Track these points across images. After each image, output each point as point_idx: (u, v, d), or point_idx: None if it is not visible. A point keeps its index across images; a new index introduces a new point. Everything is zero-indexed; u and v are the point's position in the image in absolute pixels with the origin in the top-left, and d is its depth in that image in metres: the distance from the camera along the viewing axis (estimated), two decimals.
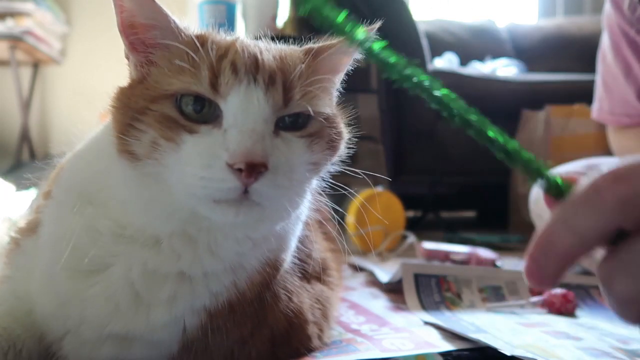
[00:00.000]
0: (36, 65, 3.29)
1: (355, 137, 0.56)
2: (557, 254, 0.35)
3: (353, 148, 0.56)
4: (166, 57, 0.49)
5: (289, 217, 0.54)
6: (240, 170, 0.43)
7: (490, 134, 0.40)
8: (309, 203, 0.57)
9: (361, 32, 0.38)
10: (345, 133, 0.55)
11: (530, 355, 0.59)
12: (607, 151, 1.49)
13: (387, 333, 0.71)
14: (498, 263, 1.26)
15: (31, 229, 0.57)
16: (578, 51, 2.76)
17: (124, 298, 0.50)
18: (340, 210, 0.59)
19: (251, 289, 0.55)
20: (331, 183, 0.56)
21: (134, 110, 0.48)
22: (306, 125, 0.50)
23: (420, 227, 2.11)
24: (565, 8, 3.70)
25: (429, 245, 1.35)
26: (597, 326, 0.77)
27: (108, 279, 0.51)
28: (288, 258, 0.59)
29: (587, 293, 0.94)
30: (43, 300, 0.53)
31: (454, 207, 2.82)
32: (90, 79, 3.15)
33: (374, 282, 1.09)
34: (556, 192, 0.37)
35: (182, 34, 0.49)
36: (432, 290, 0.93)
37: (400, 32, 2.12)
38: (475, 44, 2.96)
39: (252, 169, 0.43)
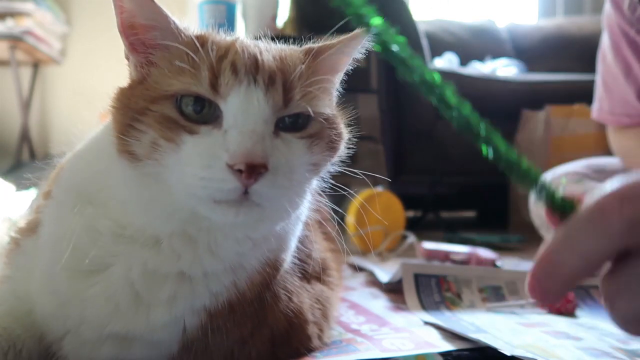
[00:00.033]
0: (36, 65, 3.29)
1: (355, 137, 0.56)
2: (561, 275, 0.34)
3: (353, 148, 0.56)
4: (166, 58, 0.49)
5: (289, 218, 0.54)
6: (240, 171, 0.43)
7: (513, 157, 0.40)
8: (309, 203, 0.57)
9: (379, 22, 0.38)
10: (345, 133, 0.55)
11: (530, 355, 0.59)
12: (607, 151, 1.49)
13: (387, 333, 0.71)
14: (498, 263, 1.26)
15: (31, 229, 0.57)
16: (578, 51, 2.76)
17: (124, 298, 0.50)
18: (340, 210, 0.59)
19: (251, 289, 0.55)
20: (331, 183, 0.56)
21: (134, 110, 0.48)
22: (306, 126, 0.50)
23: (420, 227, 2.11)
24: (565, 8, 3.70)
25: (429, 245, 1.35)
26: (597, 326, 0.77)
27: (108, 279, 0.51)
28: (288, 258, 0.59)
29: (587, 293, 0.94)
30: (43, 300, 0.53)
31: (454, 207, 2.83)
32: (90, 79, 3.15)
33: (374, 282, 1.09)
34: (561, 210, 0.37)
35: (182, 35, 0.49)
36: (432, 290, 0.93)
37: (400, 32, 2.12)
38: (475, 44, 2.96)
39: (252, 170, 0.43)
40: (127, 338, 0.51)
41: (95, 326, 0.51)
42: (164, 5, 0.49)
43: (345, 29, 0.53)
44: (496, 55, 2.80)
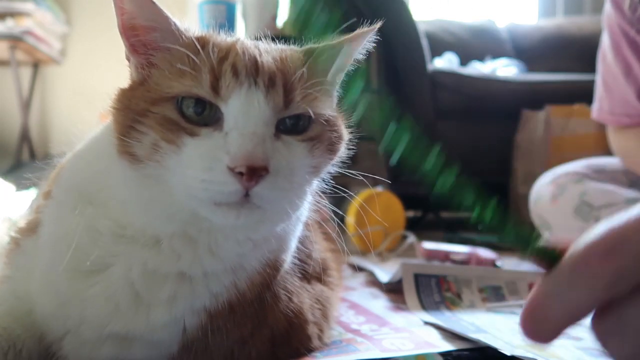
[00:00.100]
0: (36, 65, 3.29)
1: (355, 138, 0.56)
2: (549, 324, 0.35)
3: (353, 148, 0.56)
4: (167, 60, 0.49)
5: (289, 219, 0.54)
6: (241, 173, 0.43)
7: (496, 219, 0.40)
8: (309, 204, 0.57)
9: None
10: (346, 134, 0.55)
11: (530, 355, 0.59)
12: (607, 151, 1.49)
13: (387, 333, 0.71)
14: (498, 263, 1.26)
15: (31, 229, 0.57)
16: (578, 51, 2.75)
17: (124, 298, 0.50)
18: (340, 211, 0.59)
19: (251, 289, 0.55)
20: (331, 184, 0.56)
21: (134, 112, 0.48)
22: (307, 129, 0.50)
23: (420, 227, 2.11)
24: (565, 8, 3.69)
25: (429, 245, 1.35)
26: None
27: (108, 279, 0.51)
28: (288, 258, 0.59)
29: None
30: (43, 300, 0.53)
31: (454, 207, 2.82)
32: (90, 79, 3.14)
33: (374, 282, 1.09)
34: (547, 260, 0.37)
35: (183, 36, 0.49)
36: (432, 290, 0.93)
37: (400, 32, 2.12)
38: (475, 44, 2.96)
39: (253, 173, 0.43)
40: (127, 338, 0.51)
41: (95, 326, 0.51)
42: (164, 5, 0.49)
43: (346, 29, 0.53)
44: (496, 55, 2.80)
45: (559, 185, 1.39)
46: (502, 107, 2.24)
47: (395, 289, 0.98)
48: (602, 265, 0.33)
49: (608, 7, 1.31)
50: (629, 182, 1.35)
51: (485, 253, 1.29)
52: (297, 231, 0.60)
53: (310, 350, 0.61)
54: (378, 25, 0.53)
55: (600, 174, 1.38)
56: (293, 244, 0.60)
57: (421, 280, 0.94)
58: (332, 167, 0.54)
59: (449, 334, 0.70)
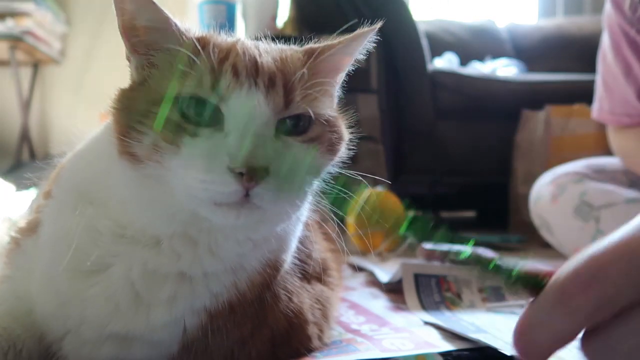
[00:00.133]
0: (36, 65, 3.29)
1: (355, 138, 0.56)
2: (538, 347, 0.37)
3: (354, 149, 0.56)
4: (167, 60, 0.49)
5: (289, 219, 0.54)
6: (241, 174, 0.43)
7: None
8: (309, 204, 0.57)
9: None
10: (346, 135, 0.55)
11: None
12: (607, 151, 1.49)
13: (387, 333, 0.71)
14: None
15: (31, 229, 0.57)
16: (578, 51, 2.76)
17: (124, 298, 0.50)
18: (340, 212, 0.59)
19: (251, 289, 0.55)
20: (331, 184, 0.56)
21: (135, 112, 0.48)
22: (307, 130, 0.50)
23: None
24: (565, 8, 3.70)
25: (429, 245, 1.35)
26: None
27: (108, 279, 0.51)
28: (288, 259, 0.59)
29: None
30: (43, 300, 0.53)
31: (454, 207, 2.82)
32: (90, 79, 3.16)
33: (374, 282, 1.09)
34: (532, 287, 0.39)
35: (184, 37, 0.49)
36: (432, 290, 0.93)
37: (400, 32, 2.12)
38: (475, 44, 2.96)
39: (253, 173, 0.43)
40: (127, 338, 0.51)
41: (95, 326, 0.51)
42: (164, 5, 0.49)
43: (346, 29, 0.53)
44: (496, 55, 2.80)
45: (559, 185, 1.39)
46: (502, 107, 2.24)
47: (395, 289, 0.98)
48: (582, 296, 0.34)
49: (608, 7, 1.31)
50: (629, 182, 1.35)
51: (485, 253, 1.29)
52: (297, 231, 0.60)
53: (310, 350, 0.61)
54: (378, 25, 0.53)
55: (600, 174, 1.38)
56: (293, 244, 0.60)
57: (421, 280, 0.94)
58: (332, 167, 0.54)
59: (449, 334, 0.70)
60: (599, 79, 1.39)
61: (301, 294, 0.61)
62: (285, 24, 2.08)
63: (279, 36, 0.57)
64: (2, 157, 3.02)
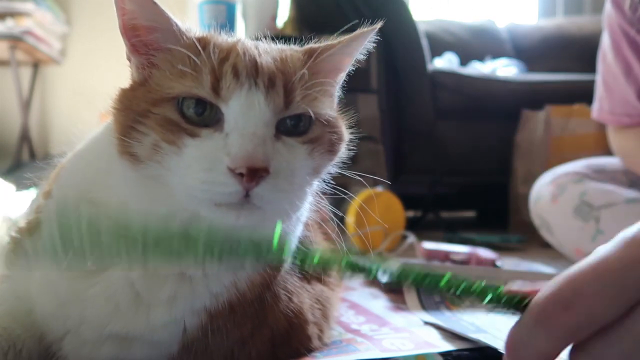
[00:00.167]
0: (36, 65, 3.29)
1: (355, 138, 0.56)
2: None
3: (354, 149, 0.56)
4: (168, 60, 0.49)
5: (290, 219, 0.54)
6: (241, 174, 0.43)
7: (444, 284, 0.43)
8: (309, 204, 0.57)
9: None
10: (346, 135, 0.55)
11: None
12: (607, 151, 1.49)
13: (387, 333, 0.71)
14: (498, 263, 1.26)
15: (31, 229, 0.57)
16: (578, 51, 2.76)
17: (124, 298, 0.50)
18: (340, 211, 0.59)
19: (251, 289, 0.55)
20: (331, 184, 0.56)
21: (135, 112, 0.48)
22: (307, 130, 0.50)
23: (420, 227, 2.11)
24: (565, 8, 3.70)
25: (429, 245, 1.35)
26: None
27: (108, 279, 0.51)
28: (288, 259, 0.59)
29: None
30: (43, 300, 0.53)
31: (454, 207, 2.83)
32: (90, 79, 3.15)
33: (374, 282, 1.09)
34: (515, 309, 0.42)
35: (184, 37, 0.49)
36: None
37: (400, 32, 2.12)
38: (475, 44, 2.96)
39: (253, 174, 0.43)
40: (127, 338, 0.51)
41: (95, 326, 0.51)
42: (164, 5, 0.49)
43: (346, 29, 0.53)
44: (496, 55, 2.81)
45: (559, 185, 1.39)
46: (502, 107, 2.24)
47: (395, 289, 0.98)
48: (562, 316, 0.36)
49: (608, 7, 1.31)
50: (629, 182, 1.35)
51: (485, 253, 1.29)
52: (298, 231, 0.60)
53: (310, 350, 0.61)
54: (378, 25, 0.53)
55: (600, 174, 1.38)
56: (293, 244, 0.60)
57: None
58: (332, 167, 0.54)
59: (449, 334, 0.70)
60: (599, 79, 1.39)
61: (301, 294, 0.61)
62: (285, 24, 2.08)
63: (279, 36, 0.57)
64: (2, 157, 3.02)
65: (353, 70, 0.57)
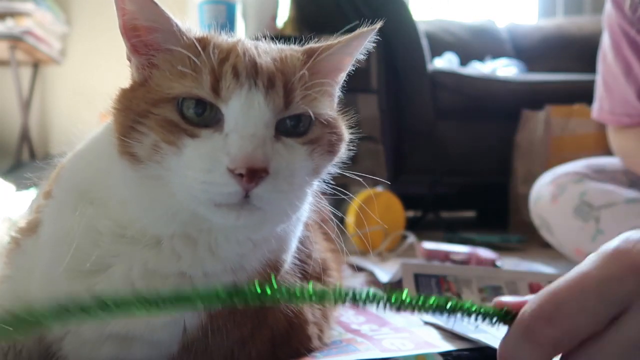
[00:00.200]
0: (36, 65, 3.29)
1: (355, 138, 0.56)
2: None
3: (353, 149, 0.56)
4: (168, 60, 0.49)
5: (289, 220, 0.54)
6: (241, 175, 0.43)
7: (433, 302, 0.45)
8: (309, 204, 0.57)
9: None
10: (346, 135, 0.55)
11: None
12: (607, 151, 1.49)
13: (387, 333, 0.72)
14: (498, 263, 1.26)
15: (31, 229, 0.57)
16: (578, 51, 2.76)
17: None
18: (340, 211, 0.59)
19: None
20: (331, 185, 0.56)
21: (135, 113, 0.48)
22: (307, 131, 0.50)
23: (420, 227, 2.11)
24: (565, 8, 3.70)
25: (429, 245, 1.35)
26: None
27: (108, 279, 0.51)
28: (288, 259, 0.59)
29: None
30: (43, 301, 0.53)
31: (454, 207, 2.83)
32: (90, 79, 3.16)
33: (374, 282, 1.09)
34: (503, 320, 0.43)
35: (184, 37, 0.49)
36: (432, 290, 0.93)
37: (400, 32, 2.12)
38: (475, 44, 2.96)
39: (252, 174, 0.43)
40: (127, 338, 0.51)
41: (95, 326, 0.51)
42: (164, 5, 0.49)
43: (347, 30, 0.53)
44: (496, 55, 2.80)
45: (559, 185, 1.39)
46: (502, 107, 2.24)
47: (395, 289, 0.98)
48: (546, 330, 0.38)
49: (608, 7, 1.31)
50: (629, 182, 1.35)
51: (485, 253, 1.29)
52: (298, 231, 0.60)
53: (310, 350, 0.61)
54: (378, 25, 0.53)
55: (600, 174, 1.38)
56: (293, 244, 0.60)
57: (421, 280, 0.94)
58: (332, 167, 0.54)
59: (449, 334, 0.70)
60: (599, 79, 1.39)
61: None
62: (285, 24, 2.08)
63: (279, 36, 0.57)
64: (2, 157, 3.02)
65: (353, 70, 0.57)
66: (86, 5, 3.28)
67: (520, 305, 0.42)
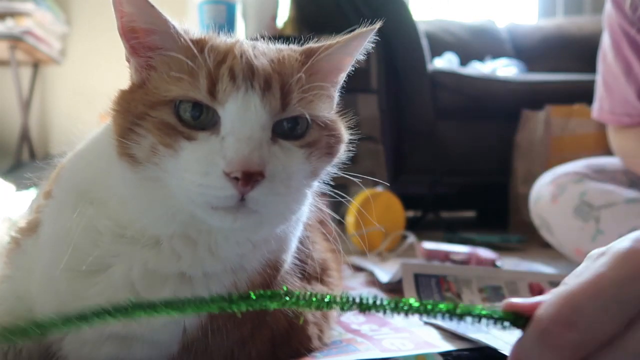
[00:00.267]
0: (36, 65, 3.29)
1: (355, 138, 0.56)
2: None
3: (353, 150, 0.56)
4: (166, 63, 0.49)
5: (288, 221, 0.54)
6: (236, 178, 0.43)
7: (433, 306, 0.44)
8: (309, 204, 0.57)
9: None
10: (345, 136, 0.55)
11: None
12: (607, 151, 1.49)
13: (387, 333, 0.72)
14: (498, 263, 1.26)
15: (31, 229, 0.57)
16: (578, 51, 2.76)
17: (124, 298, 0.50)
18: (340, 211, 0.59)
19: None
20: (330, 186, 0.56)
21: (133, 115, 0.48)
22: (305, 134, 0.50)
23: (420, 227, 2.11)
24: (565, 8, 3.69)
25: (429, 245, 1.35)
26: None
27: (108, 279, 0.51)
28: (288, 259, 0.59)
29: None
30: (43, 300, 0.53)
31: (454, 207, 2.82)
32: (90, 79, 3.16)
33: (374, 282, 1.09)
34: (516, 324, 0.42)
35: (182, 39, 0.48)
36: (432, 290, 0.93)
37: (400, 32, 2.12)
38: (475, 44, 2.96)
39: (248, 178, 0.43)
40: (127, 338, 0.51)
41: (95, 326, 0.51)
42: (164, 5, 0.49)
43: (347, 32, 0.53)
44: (496, 55, 2.80)
45: (559, 185, 1.39)
46: (502, 107, 2.24)
47: (395, 289, 0.98)
48: (565, 334, 0.38)
49: (608, 7, 1.31)
50: (629, 182, 1.35)
51: (485, 253, 1.29)
52: (297, 231, 0.60)
53: (310, 350, 0.61)
54: (378, 25, 0.53)
55: (600, 174, 1.38)
56: (293, 244, 0.60)
57: (421, 280, 0.94)
58: (332, 167, 0.54)
59: (449, 334, 0.70)
60: (599, 78, 1.39)
61: None
62: (285, 24, 2.08)
63: (279, 36, 0.57)
64: (2, 157, 3.02)
65: (353, 70, 0.57)
66: (86, 5, 3.28)
67: (532, 307, 0.41)
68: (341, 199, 0.55)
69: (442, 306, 0.42)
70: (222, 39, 0.52)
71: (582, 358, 0.38)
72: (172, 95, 0.47)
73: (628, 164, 1.37)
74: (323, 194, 0.58)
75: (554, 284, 0.95)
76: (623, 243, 0.40)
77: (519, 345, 0.41)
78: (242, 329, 0.55)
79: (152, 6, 0.48)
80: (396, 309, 0.42)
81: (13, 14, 2.84)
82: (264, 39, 0.56)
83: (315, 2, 2.15)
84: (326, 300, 0.41)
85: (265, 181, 0.44)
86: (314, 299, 0.41)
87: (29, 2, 2.88)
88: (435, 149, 2.26)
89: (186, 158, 0.45)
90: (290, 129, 0.49)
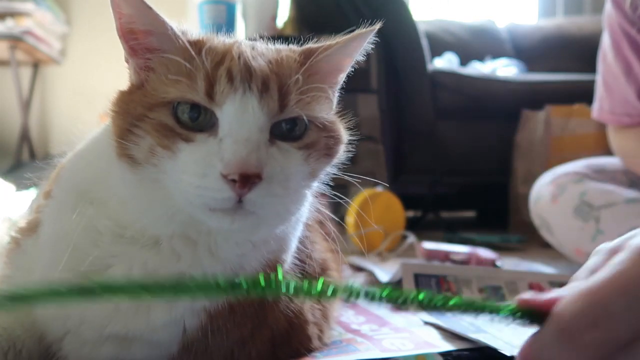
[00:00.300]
0: (36, 65, 3.29)
1: (355, 138, 0.56)
2: None
3: (353, 151, 0.56)
4: (164, 64, 0.48)
5: (286, 222, 0.54)
6: (234, 180, 0.43)
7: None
8: (309, 204, 0.57)
9: None
10: (345, 137, 0.54)
11: None
12: (607, 151, 1.49)
13: (387, 333, 0.72)
14: (498, 263, 1.26)
15: (31, 229, 0.57)
16: (578, 51, 2.76)
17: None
18: (340, 211, 0.59)
19: None
20: (330, 186, 0.56)
21: (132, 116, 0.48)
22: (303, 135, 0.50)
23: (420, 227, 2.11)
24: (565, 8, 3.69)
25: (429, 245, 1.35)
26: None
27: (108, 279, 0.51)
28: (288, 259, 0.59)
29: None
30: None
31: (454, 207, 2.82)
32: (90, 79, 3.16)
33: (374, 282, 1.09)
34: (531, 320, 0.40)
35: (179, 41, 0.48)
36: (432, 290, 0.93)
37: (400, 32, 2.12)
38: (475, 44, 2.96)
39: (246, 180, 0.43)
40: (127, 338, 0.51)
41: (95, 326, 0.51)
42: (164, 5, 0.49)
43: (347, 33, 0.53)
44: (496, 55, 2.80)
45: (559, 185, 1.39)
46: (502, 107, 2.24)
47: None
48: (589, 334, 0.36)
49: (608, 7, 1.31)
50: (629, 182, 1.35)
51: (485, 253, 1.29)
52: (297, 231, 0.60)
53: (310, 350, 0.61)
54: (378, 25, 0.53)
55: (600, 174, 1.38)
56: (293, 244, 0.60)
57: (421, 280, 0.94)
58: (331, 168, 0.54)
59: (449, 334, 0.70)
60: (599, 78, 1.39)
61: None
62: (285, 24, 2.08)
63: (278, 36, 0.57)
64: (2, 157, 3.02)
65: (353, 70, 0.57)
66: (86, 5, 3.28)
67: (548, 303, 0.39)
68: (341, 199, 0.55)
69: (455, 301, 0.40)
70: (221, 40, 0.52)
71: (604, 357, 0.37)
72: (170, 97, 0.47)
73: (628, 164, 1.37)
74: (322, 195, 0.58)
75: (554, 284, 0.95)
76: (638, 239, 0.38)
77: (535, 342, 0.39)
78: (242, 329, 0.55)
79: (150, 8, 0.48)
80: (411, 299, 0.40)
81: (13, 14, 2.84)
82: (263, 39, 0.55)
83: (315, 2, 2.15)
84: (338, 289, 0.39)
85: (263, 183, 0.44)
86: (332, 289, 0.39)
87: (29, 2, 2.88)
88: (435, 149, 2.26)
89: (184, 160, 0.45)
90: (289, 130, 0.49)
